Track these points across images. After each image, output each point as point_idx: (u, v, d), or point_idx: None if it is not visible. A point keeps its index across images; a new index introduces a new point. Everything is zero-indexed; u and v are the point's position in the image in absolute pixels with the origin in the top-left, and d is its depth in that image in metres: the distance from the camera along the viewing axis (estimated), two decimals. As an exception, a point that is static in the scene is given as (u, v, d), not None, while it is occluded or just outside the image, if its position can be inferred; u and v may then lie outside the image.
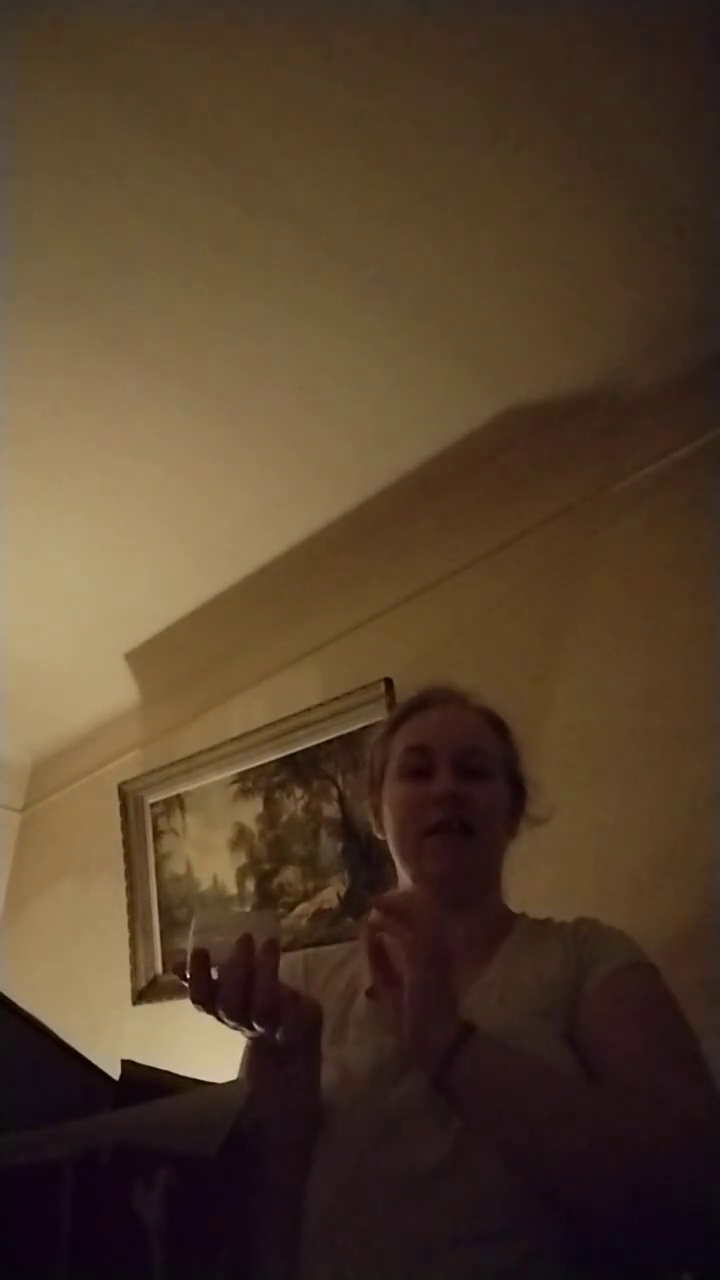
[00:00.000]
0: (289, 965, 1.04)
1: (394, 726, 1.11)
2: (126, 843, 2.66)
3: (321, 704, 2.20)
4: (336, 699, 2.16)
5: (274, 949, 0.83)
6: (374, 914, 0.86)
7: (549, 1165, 0.75)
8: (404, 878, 1.05)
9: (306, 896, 2.17)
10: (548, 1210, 0.75)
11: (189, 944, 0.84)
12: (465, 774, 1.02)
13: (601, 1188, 0.72)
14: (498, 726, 1.11)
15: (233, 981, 0.81)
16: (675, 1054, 0.81)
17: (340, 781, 2.18)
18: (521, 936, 0.99)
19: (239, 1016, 0.81)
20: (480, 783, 1.03)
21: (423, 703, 1.11)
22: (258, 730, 2.36)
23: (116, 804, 2.71)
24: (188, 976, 0.82)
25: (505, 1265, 0.73)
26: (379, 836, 1.11)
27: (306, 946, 1.19)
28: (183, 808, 2.57)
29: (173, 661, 2.71)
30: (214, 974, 0.82)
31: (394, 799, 1.05)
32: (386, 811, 1.07)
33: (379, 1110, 0.83)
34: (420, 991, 0.81)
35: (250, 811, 2.37)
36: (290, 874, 2.23)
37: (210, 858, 2.45)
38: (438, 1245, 0.75)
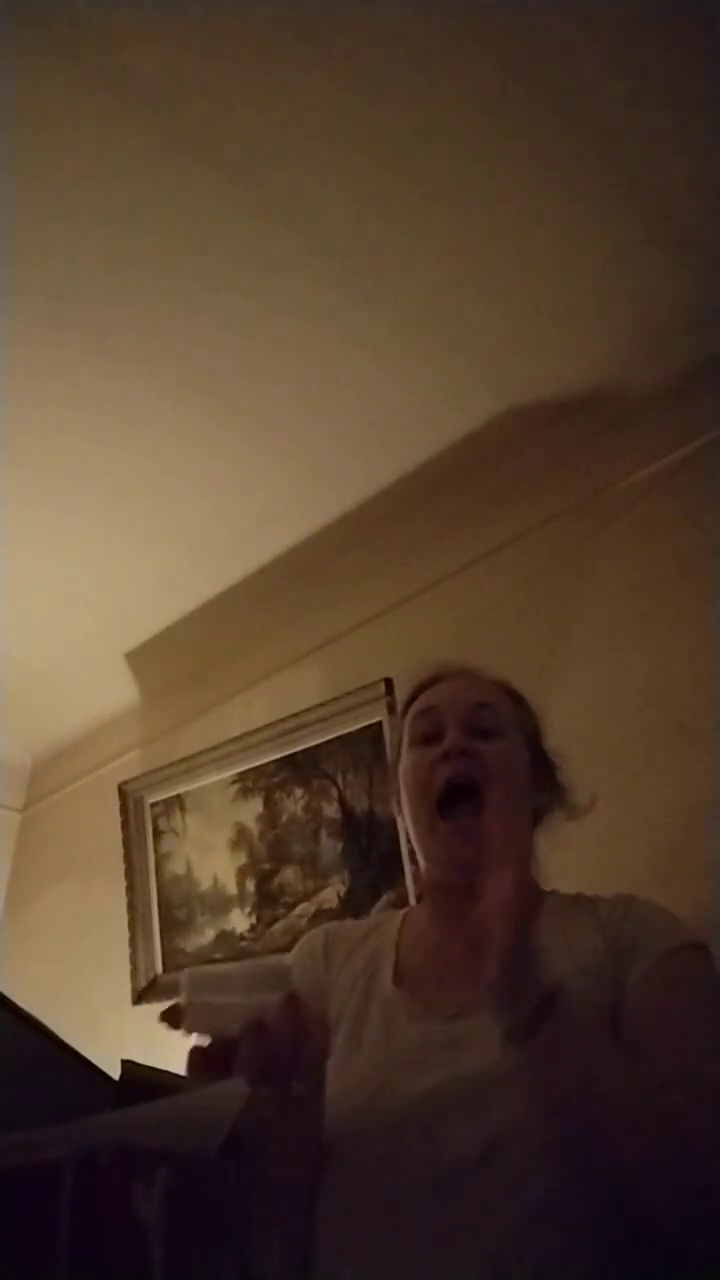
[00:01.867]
0: (309, 941, 1.03)
1: (408, 705, 1.09)
2: (126, 843, 2.66)
3: (321, 704, 2.20)
4: (336, 699, 2.16)
5: (296, 1005, 0.73)
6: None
7: (613, 1150, 0.71)
8: (426, 874, 1.00)
9: (306, 896, 2.17)
10: (582, 1199, 0.72)
11: (182, 1005, 0.73)
12: (476, 733, 0.98)
13: (661, 1182, 0.70)
14: (513, 695, 1.08)
15: (252, 1057, 0.71)
16: None
17: (340, 781, 2.17)
18: (552, 913, 0.94)
19: (258, 1085, 0.73)
20: (491, 740, 0.98)
21: (434, 678, 1.09)
22: (258, 730, 2.35)
23: (116, 804, 2.70)
24: (191, 1052, 0.73)
25: (537, 1256, 0.71)
26: (402, 822, 1.07)
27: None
28: (183, 808, 2.57)
29: (173, 661, 2.71)
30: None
31: (405, 770, 1.02)
32: (401, 790, 1.03)
33: (406, 1108, 0.80)
34: (516, 937, 0.75)
35: (250, 811, 2.37)
36: (290, 874, 2.23)
37: (210, 858, 2.45)
38: (468, 1239, 0.73)
